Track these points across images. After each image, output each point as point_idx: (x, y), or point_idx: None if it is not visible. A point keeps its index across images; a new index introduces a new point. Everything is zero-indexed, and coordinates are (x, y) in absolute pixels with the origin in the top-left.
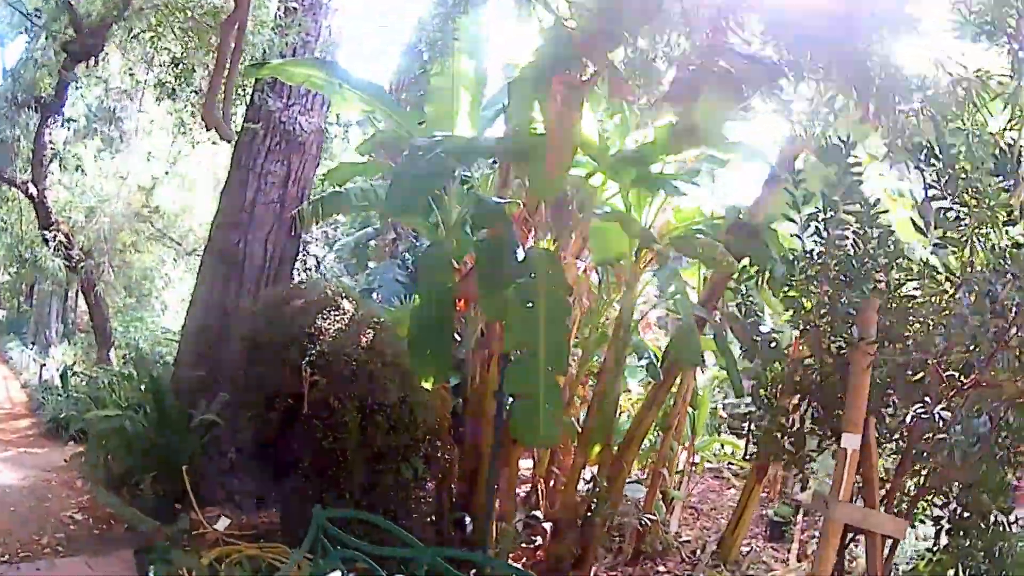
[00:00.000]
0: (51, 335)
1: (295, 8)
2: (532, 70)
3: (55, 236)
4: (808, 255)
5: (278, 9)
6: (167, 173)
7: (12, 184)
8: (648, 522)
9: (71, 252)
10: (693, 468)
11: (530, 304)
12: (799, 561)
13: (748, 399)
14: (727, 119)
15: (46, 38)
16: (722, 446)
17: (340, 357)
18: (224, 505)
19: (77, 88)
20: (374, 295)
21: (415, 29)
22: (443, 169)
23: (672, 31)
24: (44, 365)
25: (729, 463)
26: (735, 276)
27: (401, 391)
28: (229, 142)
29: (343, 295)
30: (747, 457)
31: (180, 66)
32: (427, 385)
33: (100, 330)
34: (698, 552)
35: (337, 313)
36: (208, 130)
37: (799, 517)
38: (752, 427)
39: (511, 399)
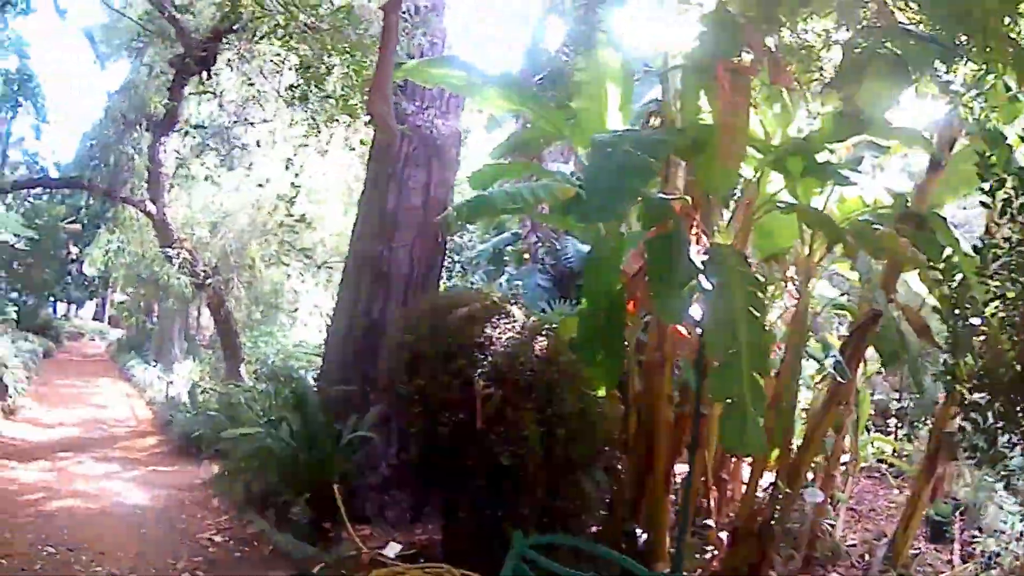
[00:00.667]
0: (175, 352)
1: (425, 7)
2: (695, 58)
3: (179, 253)
4: (1008, 242)
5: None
6: (295, 185)
7: (129, 203)
8: (825, 527)
9: (196, 269)
10: (852, 469)
11: (726, 304)
12: (964, 562)
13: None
14: (892, 103)
15: (153, 56)
16: (874, 444)
17: (516, 367)
18: (374, 522)
19: (198, 103)
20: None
21: (536, 28)
22: (642, 166)
23: (834, 12)
24: (171, 382)
25: (883, 461)
26: (942, 268)
27: (579, 400)
28: (392, 141)
29: (511, 301)
30: (900, 455)
31: (311, 69)
32: (598, 392)
33: (229, 346)
34: (867, 556)
35: (507, 320)
36: (371, 125)
37: (958, 516)
38: (914, 425)
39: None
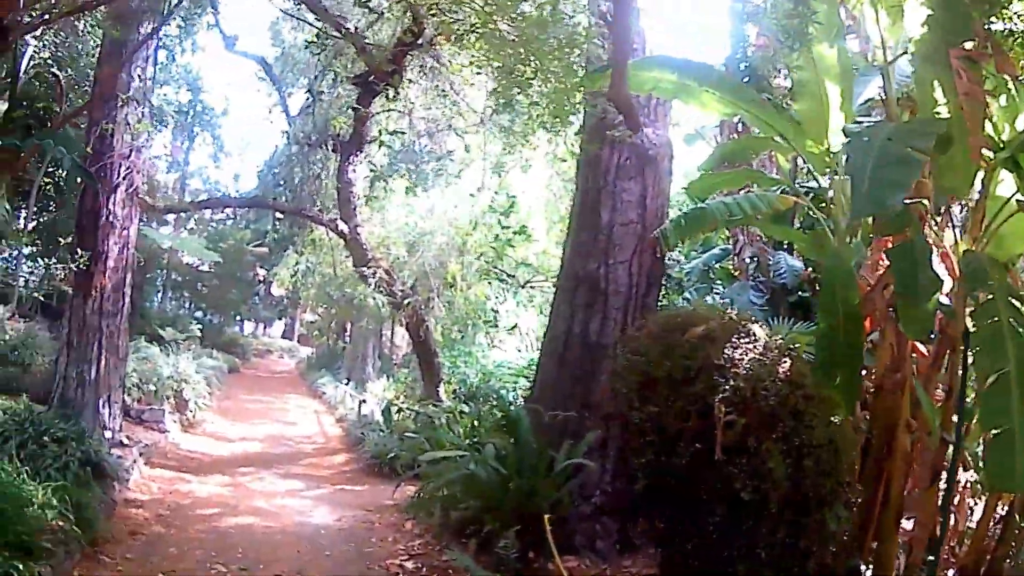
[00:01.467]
0: (368, 371)
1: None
2: (925, 46)
3: (374, 273)
4: None
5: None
6: (509, 204)
7: (318, 223)
8: None
9: (393, 288)
10: None
11: (995, 319)
12: None
13: None
14: None
15: (334, 76)
16: None
17: (759, 392)
18: (582, 554)
19: (385, 122)
20: None
21: (736, 25)
22: (905, 157)
23: None
24: (364, 400)
25: None
26: None
27: (827, 428)
28: (634, 132)
29: (750, 319)
30: None
31: (513, 74)
32: (837, 418)
33: (428, 365)
34: None
35: (747, 340)
36: (621, 115)
37: None
38: None
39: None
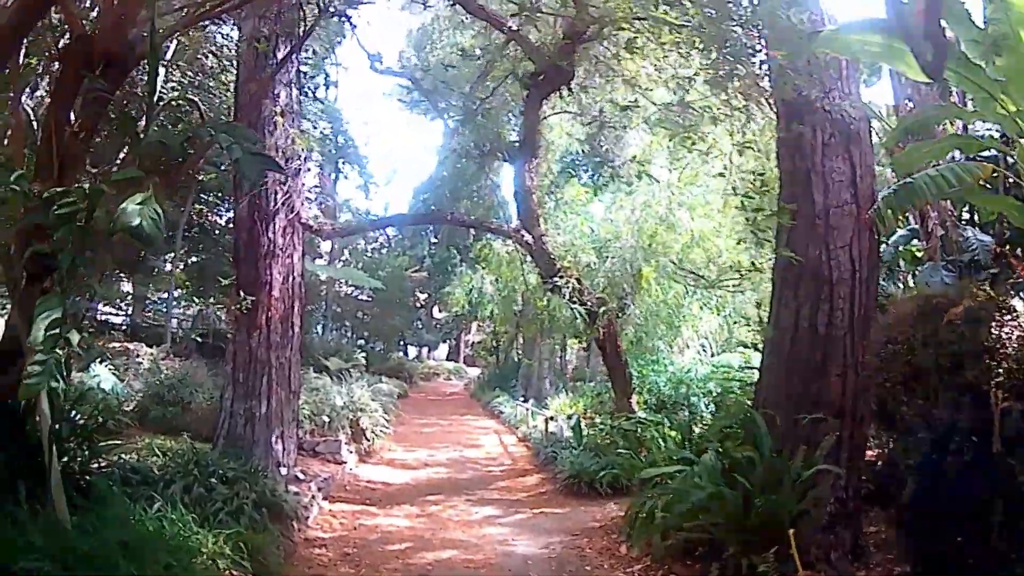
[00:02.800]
0: (546, 386)
1: None
2: None
3: (567, 283)
4: None
5: None
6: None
7: (503, 234)
8: None
9: (584, 298)
10: None
11: None
12: None
13: None
14: None
15: (496, 81)
16: None
17: None
18: (817, 567)
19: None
20: None
21: None
22: None
23: None
24: (551, 417)
25: None
26: None
27: None
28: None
29: (1008, 294)
30: None
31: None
32: None
33: (618, 376)
34: None
35: (1010, 318)
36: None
37: None
38: None
39: None
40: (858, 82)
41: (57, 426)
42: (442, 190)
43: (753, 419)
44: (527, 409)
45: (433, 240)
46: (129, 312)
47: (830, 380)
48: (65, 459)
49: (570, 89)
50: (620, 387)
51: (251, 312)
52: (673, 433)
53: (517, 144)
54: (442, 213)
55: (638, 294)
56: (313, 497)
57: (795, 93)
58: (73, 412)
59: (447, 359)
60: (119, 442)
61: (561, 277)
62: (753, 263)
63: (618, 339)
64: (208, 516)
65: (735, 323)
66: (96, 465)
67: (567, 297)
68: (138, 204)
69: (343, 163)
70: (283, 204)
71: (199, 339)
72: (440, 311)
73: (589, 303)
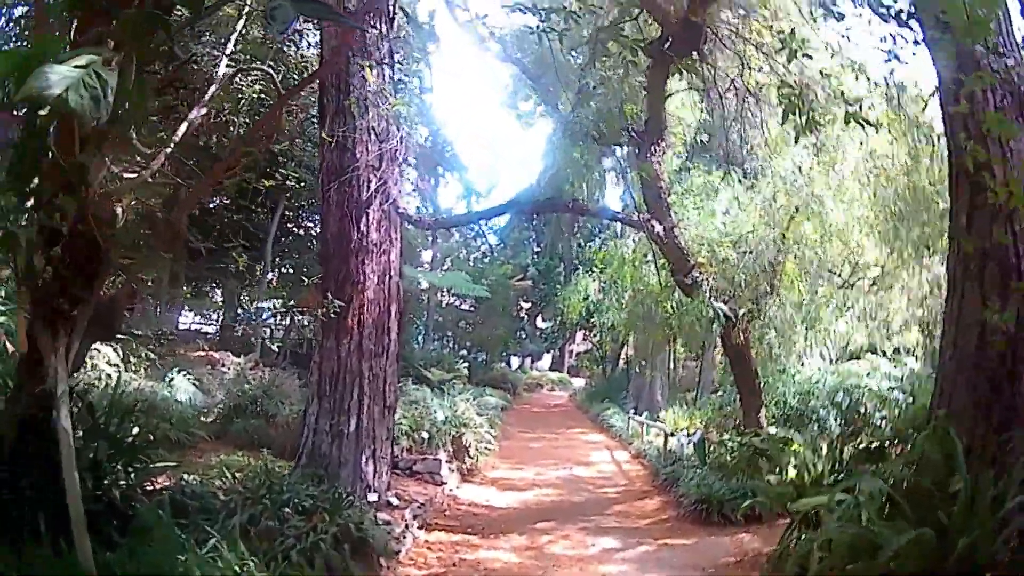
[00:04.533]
0: (658, 398)
1: None
2: None
3: (707, 279)
4: None
5: None
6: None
7: (632, 225)
8: None
9: (724, 297)
10: None
11: None
12: None
13: None
14: None
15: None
16: None
17: None
18: None
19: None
20: None
21: None
22: None
23: None
24: (671, 433)
25: None
26: None
27: None
28: None
29: None
30: None
31: None
32: None
33: (748, 386)
34: None
35: None
36: None
37: None
38: None
39: None
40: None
41: (94, 444)
42: (559, 178)
43: (940, 436)
44: (640, 423)
45: (536, 249)
46: (219, 321)
47: None
48: (106, 483)
49: (700, 53)
50: (749, 399)
51: (340, 316)
52: (808, 452)
53: (633, 128)
54: (562, 201)
55: (774, 294)
56: (407, 527)
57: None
58: (123, 425)
59: (550, 369)
60: (171, 463)
61: (699, 274)
62: (898, 257)
63: (750, 346)
64: (276, 555)
65: (866, 327)
66: (143, 491)
67: (707, 296)
68: (74, 67)
69: (442, 169)
70: (377, 192)
71: (295, 350)
72: (544, 320)
73: (730, 303)
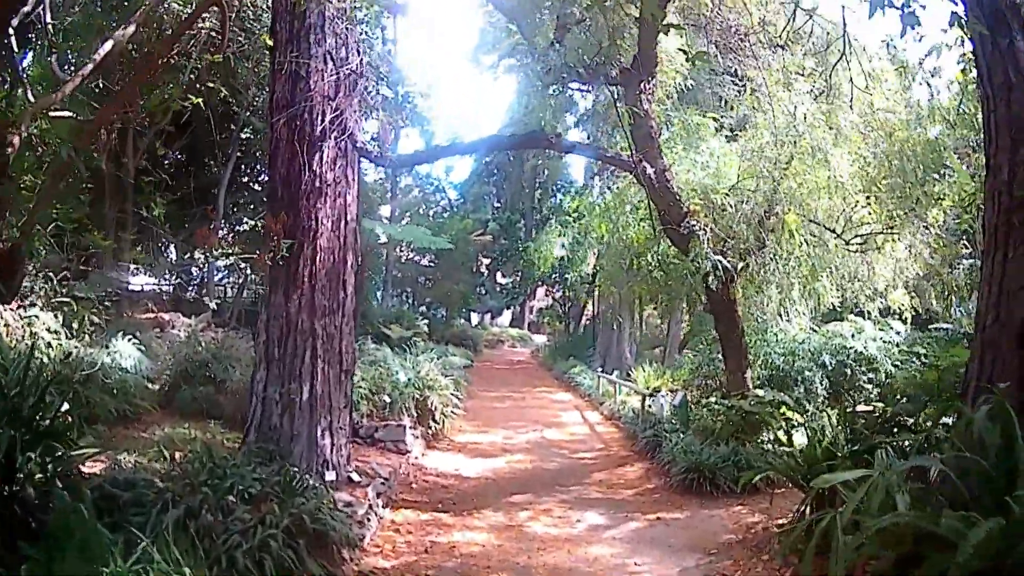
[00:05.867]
0: (625, 357)
1: None
2: None
3: (702, 229)
4: None
5: None
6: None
7: (619, 165)
8: None
9: (722, 248)
10: None
11: None
12: None
13: None
14: None
15: None
16: None
17: None
18: None
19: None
20: None
21: None
22: None
23: None
24: (652, 394)
25: None
26: None
27: None
28: None
29: None
30: None
31: None
32: None
33: (733, 346)
34: None
35: None
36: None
37: None
38: None
39: None
40: None
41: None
42: (533, 116)
43: (996, 412)
44: (611, 382)
45: (496, 204)
46: (171, 282)
47: None
48: (20, 476)
49: None
50: (734, 359)
51: (289, 267)
52: (795, 415)
53: (625, 63)
54: (543, 135)
55: (768, 246)
56: (371, 507)
57: None
58: (39, 405)
59: (511, 326)
60: (97, 448)
61: (695, 222)
62: (892, 216)
63: (736, 302)
64: (219, 557)
65: (850, 286)
66: (65, 482)
67: (704, 248)
68: None
69: (403, 121)
70: (333, 126)
71: (249, 308)
72: (504, 276)
73: (727, 256)
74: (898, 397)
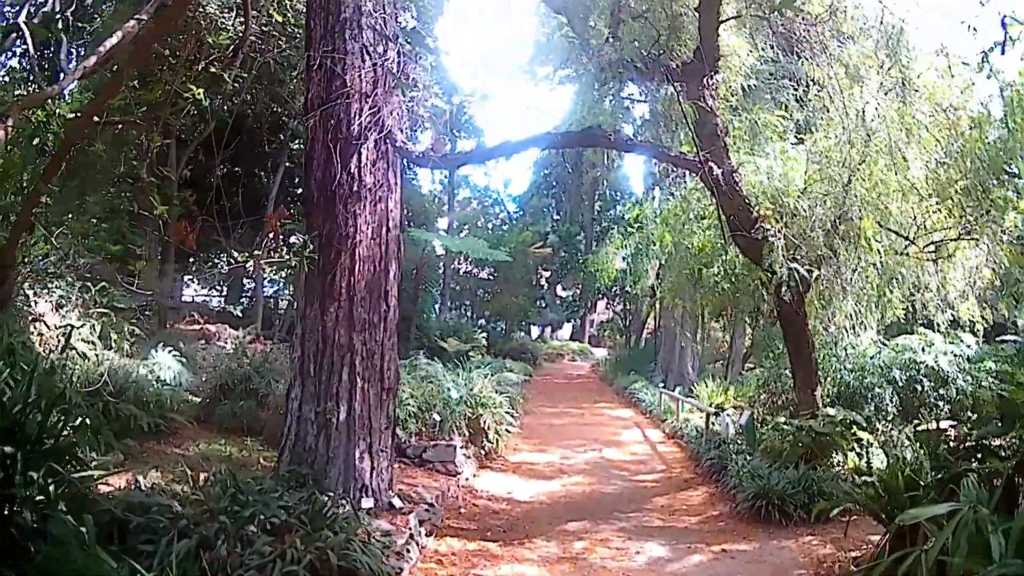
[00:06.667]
0: (688, 372)
1: None
2: None
3: (779, 235)
4: None
5: None
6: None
7: (683, 165)
8: None
9: (797, 255)
10: None
11: None
12: None
13: None
14: None
15: None
16: None
17: None
18: None
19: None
20: None
21: None
22: None
23: None
24: (718, 412)
25: None
26: None
27: None
28: None
29: None
30: None
31: None
32: None
33: (803, 361)
34: None
35: None
36: None
37: None
38: None
39: None
40: None
41: None
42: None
43: None
44: (673, 398)
45: (555, 216)
46: (222, 293)
47: None
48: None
49: None
50: (804, 376)
51: (325, 276)
52: (867, 436)
53: (686, 58)
54: (602, 132)
55: (841, 254)
56: (412, 536)
57: None
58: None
59: (571, 339)
60: (100, 472)
61: (768, 227)
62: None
63: (806, 315)
64: None
65: (921, 297)
66: (74, 504)
67: (780, 255)
68: None
69: (458, 132)
70: (372, 124)
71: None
72: (564, 289)
73: (804, 263)
74: (970, 414)
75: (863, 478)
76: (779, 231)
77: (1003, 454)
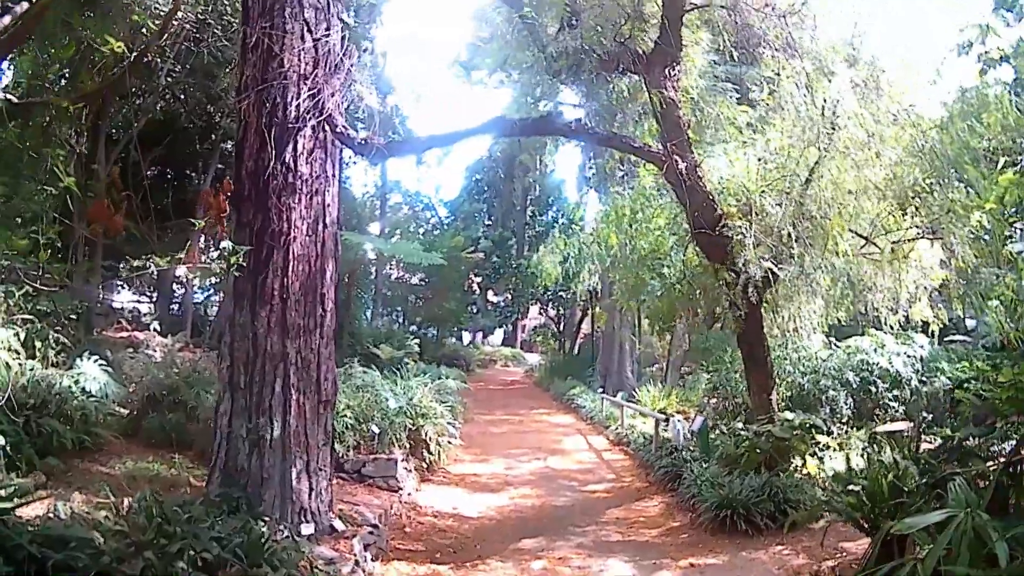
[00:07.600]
0: (627, 377)
1: None
2: None
3: (745, 234)
4: None
5: None
6: None
7: (644, 156)
8: None
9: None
10: None
11: None
12: None
13: None
14: None
15: None
16: None
17: None
18: None
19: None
20: None
21: None
22: None
23: None
24: (666, 418)
25: None
26: None
27: None
28: None
29: None
30: None
31: None
32: None
33: (757, 365)
34: None
35: None
36: None
37: None
38: None
39: None
40: None
41: None
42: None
43: None
44: (618, 404)
45: (487, 222)
46: (154, 299)
47: None
48: None
49: None
50: (760, 379)
51: (255, 277)
52: (825, 439)
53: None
54: (561, 121)
55: (800, 252)
56: (357, 563)
57: None
58: None
59: (503, 344)
60: (14, 503)
61: (728, 225)
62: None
63: (763, 316)
64: None
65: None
66: None
67: (753, 254)
68: None
69: (392, 134)
70: (311, 109)
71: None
72: (496, 294)
73: (773, 263)
74: (924, 415)
75: (848, 486)
76: (747, 228)
77: (983, 455)
